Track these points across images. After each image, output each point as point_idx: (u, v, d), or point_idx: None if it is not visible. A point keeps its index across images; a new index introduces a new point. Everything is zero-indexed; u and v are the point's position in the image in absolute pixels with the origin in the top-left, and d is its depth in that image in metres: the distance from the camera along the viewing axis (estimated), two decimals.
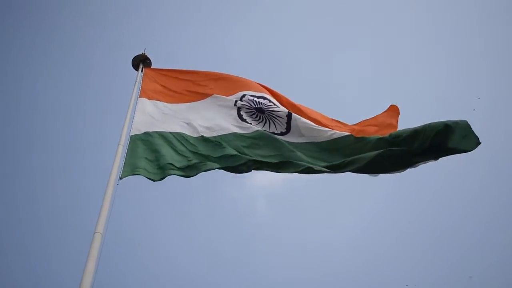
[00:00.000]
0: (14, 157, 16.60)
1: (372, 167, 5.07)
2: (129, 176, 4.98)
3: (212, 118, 6.09)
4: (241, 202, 18.28)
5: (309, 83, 19.68)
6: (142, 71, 7.16)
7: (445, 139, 4.70)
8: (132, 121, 5.84)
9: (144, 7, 20.81)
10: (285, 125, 6.07)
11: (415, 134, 4.96)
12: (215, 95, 6.55)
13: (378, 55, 20.73)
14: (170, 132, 5.81)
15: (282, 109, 6.28)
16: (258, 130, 5.86)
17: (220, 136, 5.75)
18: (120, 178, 4.91)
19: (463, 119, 4.74)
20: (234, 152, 5.45)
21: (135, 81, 6.87)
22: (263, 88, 6.75)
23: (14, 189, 15.92)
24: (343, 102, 18.46)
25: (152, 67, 7.42)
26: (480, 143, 4.60)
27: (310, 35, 21.20)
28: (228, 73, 7.16)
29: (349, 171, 5.15)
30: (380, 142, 5.27)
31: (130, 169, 5.10)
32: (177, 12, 21.14)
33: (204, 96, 6.61)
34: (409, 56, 20.80)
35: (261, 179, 19.87)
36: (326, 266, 15.10)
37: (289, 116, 6.13)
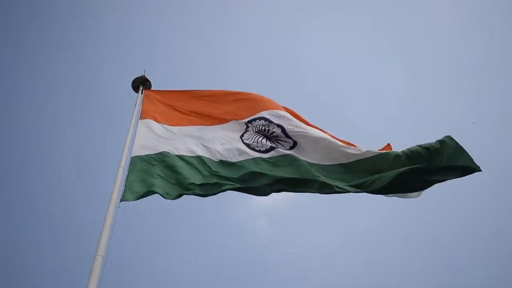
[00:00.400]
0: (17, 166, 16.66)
1: (393, 187, 5.02)
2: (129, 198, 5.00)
3: (230, 143, 6.07)
4: (243, 221, 18.25)
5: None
6: (142, 93, 7.20)
7: (459, 157, 4.76)
8: (133, 143, 5.85)
9: (144, 27, 21.03)
10: (285, 136, 6.11)
11: (429, 152, 5.00)
12: (233, 120, 6.53)
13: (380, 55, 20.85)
14: (192, 156, 5.77)
15: (275, 125, 6.28)
16: (277, 154, 5.80)
17: (244, 161, 5.71)
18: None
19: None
20: (259, 170, 5.43)
21: (135, 103, 6.90)
22: (278, 106, 6.74)
23: (16, 204, 15.92)
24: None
25: (152, 89, 7.48)
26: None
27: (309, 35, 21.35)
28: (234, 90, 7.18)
29: (369, 191, 5.09)
30: (399, 160, 5.20)
31: (145, 187, 5.12)
32: (177, 31, 21.37)
33: (222, 121, 6.58)
34: (413, 56, 20.94)
35: (263, 198, 19.80)
36: (328, 281, 15.06)
37: (282, 128, 6.18)
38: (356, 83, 20.52)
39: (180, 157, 5.72)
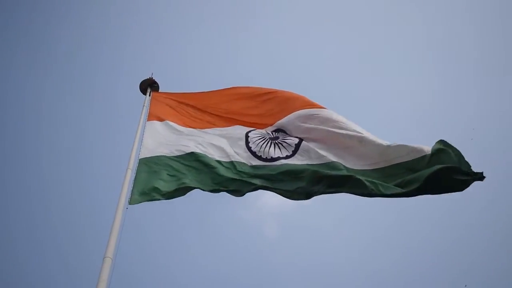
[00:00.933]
0: (24, 166, 16.74)
1: (428, 187, 4.68)
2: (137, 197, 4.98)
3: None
4: (251, 223, 18.24)
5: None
6: (150, 95, 7.20)
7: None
8: (141, 145, 5.83)
9: (149, 29, 21.08)
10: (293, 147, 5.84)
11: (453, 151, 4.69)
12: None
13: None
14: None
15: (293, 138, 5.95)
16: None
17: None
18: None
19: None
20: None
21: (143, 105, 6.88)
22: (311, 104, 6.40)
23: (27, 206, 15.98)
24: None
25: (159, 91, 7.48)
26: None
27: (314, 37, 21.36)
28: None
29: (405, 194, 4.75)
30: (432, 159, 4.82)
31: (174, 184, 5.14)
32: (183, 33, 21.41)
33: (244, 123, 6.43)
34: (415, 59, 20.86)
35: (270, 200, 19.83)
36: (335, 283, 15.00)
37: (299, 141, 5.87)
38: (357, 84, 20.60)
39: (206, 157, 5.66)
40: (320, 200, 5.34)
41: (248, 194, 5.30)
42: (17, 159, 16.95)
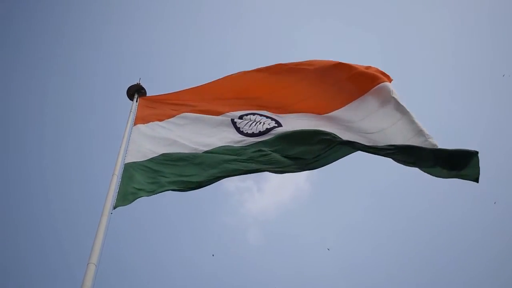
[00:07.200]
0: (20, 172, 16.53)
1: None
2: (121, 207, 4.95)
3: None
4: (232, 230, 18.20)
5: None
6: (137, 101, 7.12)
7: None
8: (126, 151, 5.78)
9: (139, 37, 21.05)
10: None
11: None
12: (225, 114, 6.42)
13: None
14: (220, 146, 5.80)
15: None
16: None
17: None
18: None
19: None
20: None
21: (130, 111, 6.80)
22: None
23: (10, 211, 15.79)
24: None
25: (147, 95, 7.42)
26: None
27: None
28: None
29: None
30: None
31: (156, 185, 5.18)
32: (173, 39, 21.39)
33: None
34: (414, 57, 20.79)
35: (254, 206, 19.83)
36: None
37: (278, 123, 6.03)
38: None
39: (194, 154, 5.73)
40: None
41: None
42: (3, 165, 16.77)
